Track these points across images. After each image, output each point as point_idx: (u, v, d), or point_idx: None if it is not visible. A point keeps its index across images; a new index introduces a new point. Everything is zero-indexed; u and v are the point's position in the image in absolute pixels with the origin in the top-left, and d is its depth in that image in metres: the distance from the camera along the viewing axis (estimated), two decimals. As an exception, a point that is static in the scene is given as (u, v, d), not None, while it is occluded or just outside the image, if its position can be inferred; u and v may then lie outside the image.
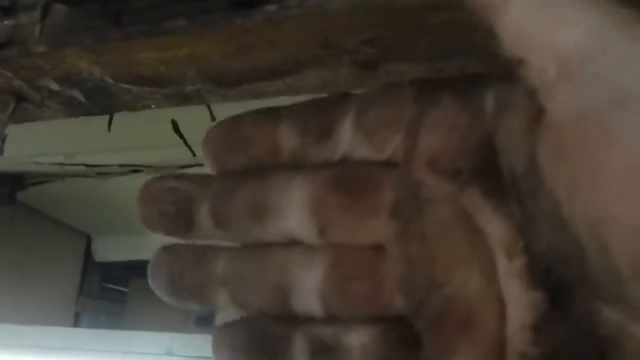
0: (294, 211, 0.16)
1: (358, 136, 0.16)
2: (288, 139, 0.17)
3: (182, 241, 0.18)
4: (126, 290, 1.61)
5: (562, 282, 0.13)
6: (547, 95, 0.13)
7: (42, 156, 0.94)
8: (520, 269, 0.14)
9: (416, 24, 0.30)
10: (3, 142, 0.45)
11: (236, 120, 0.17)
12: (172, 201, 0.17)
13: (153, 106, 0.41)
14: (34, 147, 0.87)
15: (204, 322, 1.42)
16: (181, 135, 0.63)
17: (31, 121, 0.45)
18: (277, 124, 0.17)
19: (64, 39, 0.34)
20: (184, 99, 0.39)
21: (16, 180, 1.13)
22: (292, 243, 0.17)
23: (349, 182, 0.16)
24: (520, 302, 0.14)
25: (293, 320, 0.16)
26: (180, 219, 0.17)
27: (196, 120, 0.50)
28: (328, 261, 0.16)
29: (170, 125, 0.68)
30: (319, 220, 0.16)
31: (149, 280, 0.18)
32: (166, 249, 0.18)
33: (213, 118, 0.47)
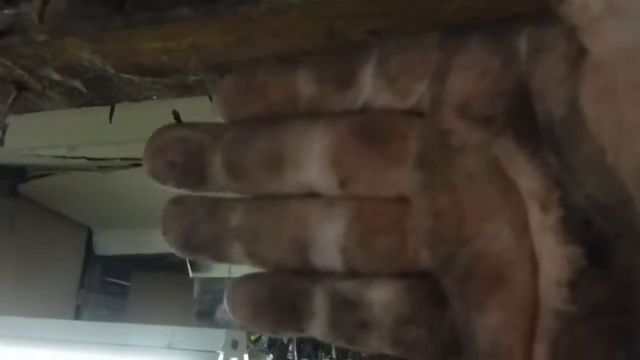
0: (313, 161, 0.15)
1: (380, 84, 0.15)
2: (306, 86, 0.16)
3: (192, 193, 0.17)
4: (127, 284, 1.61)
5: (602, 236, 0.13)
6: (592, 34, 0.12)
7: (44, 149, 0.94)
8: (556, 222, 0.13)
9: (426, 13, 0.29)
10: (4, 132, 0.45)
11: (251, 69, 0.16)
12: (183, 151, 0.16)
13: (155, 97, 0.41)
14: (37, 140, 0.87)
15: (205, 316, 1.42)
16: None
17: (32, 112, 0.44)
18: (294, 72, 0.16)
19: (65, 27, 0.34)
20: (187, 90, 0.39)
21: (18, 173, 1.13)
22: (311, 195, 0.16)
23: (371, 130, 0.15)
24: (555, 258, 0.13)
25: (312, 274, 0.15)
26: (191, 170, 0.16)
27: (199, 113, 0.50)
28: (349, 214, 0.15)
29: (172, 119, 0.68)
30: (339, 170, 0.15)
31: (161, 233, 0.16)
32: (176, 201, 0.17)
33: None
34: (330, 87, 0.16)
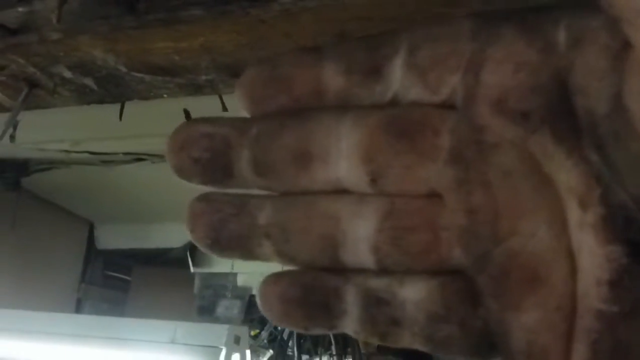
0: (342, 157, 0.15)
1: (410, 76, 0.15)
2: (333, 78, 0.15)
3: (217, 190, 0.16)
4: (128, 278, 1.62)
5: None
6: (637, 27, 0.11)
7: (47, 143, 0.94)
8: (596, 221, 0.13)
9: (437, 18, 0.29)
10: (15, 129, 0.46)
11: (275, 60, 0.16)
12: (208, 147, 0.16)
13: (165, 95, 0.41)
14: (40, 134, 0.87)
15: (205, 311, 1.43)
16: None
17: (43, 108, 0.45)
18: (320, 63, 0.15)
19: (78, 27, 0.34)
20: (197, 89, 0.39)
21: (21, 167, 1.13)
22: (340, 191, 0.15)
23: (402, 125, 0.15)
24: (595, 256, 0.13)
25: (343, 271, 0.15)
26: (217, 166, 0.16)
27: (206, 110, 0.50)
28: (380, 211, 0.15)
29: (176, 114, 0.68)
30: (370, 167, 0.15)
31: (188, 231, 0.16)
32: (202, 198, 0.16)
33: (225, 109, 0.46)
34: (358, 80, 0.15)
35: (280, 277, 0.16)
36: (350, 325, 0.15)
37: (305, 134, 0.15)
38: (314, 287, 0.15)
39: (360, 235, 0.15)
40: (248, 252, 0.16)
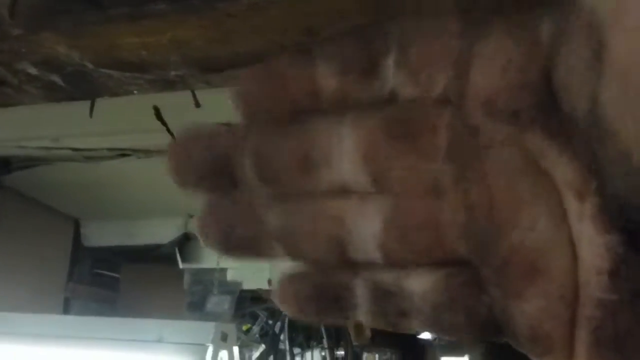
0: (344, 159, 0.15)
1: (402, 75, 0.15)
2: (327, 80, 0.15)
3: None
4: (117, 275, 1.60)
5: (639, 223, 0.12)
6: (612, 27, 0.11)
7: (27, 140, 0.92)
8: (593, 211, 0.13)
9: (413, 11, 0.29)
10: (-18, 128, 0.44)
11: (268, 65, 0.16)
12: (209, 160, 0.16)
13: (135, 92, 0.40)
14: (18, 131, 0.85)
15: (195, 306, 1.42)
16: (163, 122, 0.61)
17: (11, 106, 0.44)
18: (313, 64, 0.15)
19: (40, 22, 0.33)
20: (168, 85, 0.38)
21: (1, 165, 1.11)
22: (344, 192, 0.16)
23: (400, 124, 0.15)
24: (594, 246, 0.13)
25: (353, 266, 0.16)
26: (221, 178, 0.16)
27: (181, 106, 0.49)
28: (384, 211, 0.15)
29: (161, 109, 0.66)
30: (371, 168, 0.15)
31: (201, 239, 0.17)
32: (210, 206, 0.17)
33: (197, 104, 0.45)
34: (353, 79, 0.15)
35: (293, 277, 0.17)
36: (362, 316, 0.16)
37: (307, 139, 0.15)
38: (325, 285, 0.16)
39: (366, 234, 0.15)
40: (260, 254, 0.17)
